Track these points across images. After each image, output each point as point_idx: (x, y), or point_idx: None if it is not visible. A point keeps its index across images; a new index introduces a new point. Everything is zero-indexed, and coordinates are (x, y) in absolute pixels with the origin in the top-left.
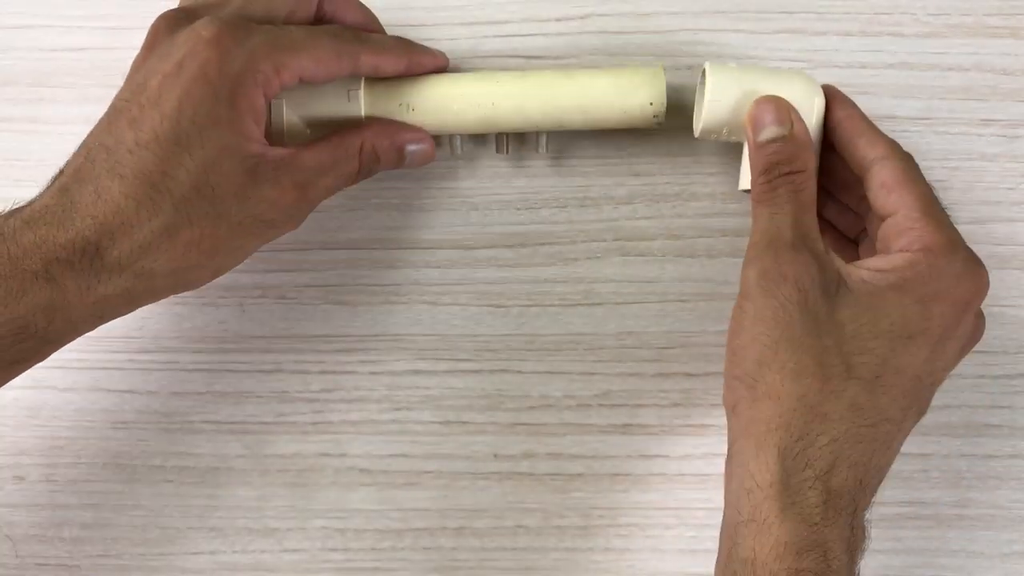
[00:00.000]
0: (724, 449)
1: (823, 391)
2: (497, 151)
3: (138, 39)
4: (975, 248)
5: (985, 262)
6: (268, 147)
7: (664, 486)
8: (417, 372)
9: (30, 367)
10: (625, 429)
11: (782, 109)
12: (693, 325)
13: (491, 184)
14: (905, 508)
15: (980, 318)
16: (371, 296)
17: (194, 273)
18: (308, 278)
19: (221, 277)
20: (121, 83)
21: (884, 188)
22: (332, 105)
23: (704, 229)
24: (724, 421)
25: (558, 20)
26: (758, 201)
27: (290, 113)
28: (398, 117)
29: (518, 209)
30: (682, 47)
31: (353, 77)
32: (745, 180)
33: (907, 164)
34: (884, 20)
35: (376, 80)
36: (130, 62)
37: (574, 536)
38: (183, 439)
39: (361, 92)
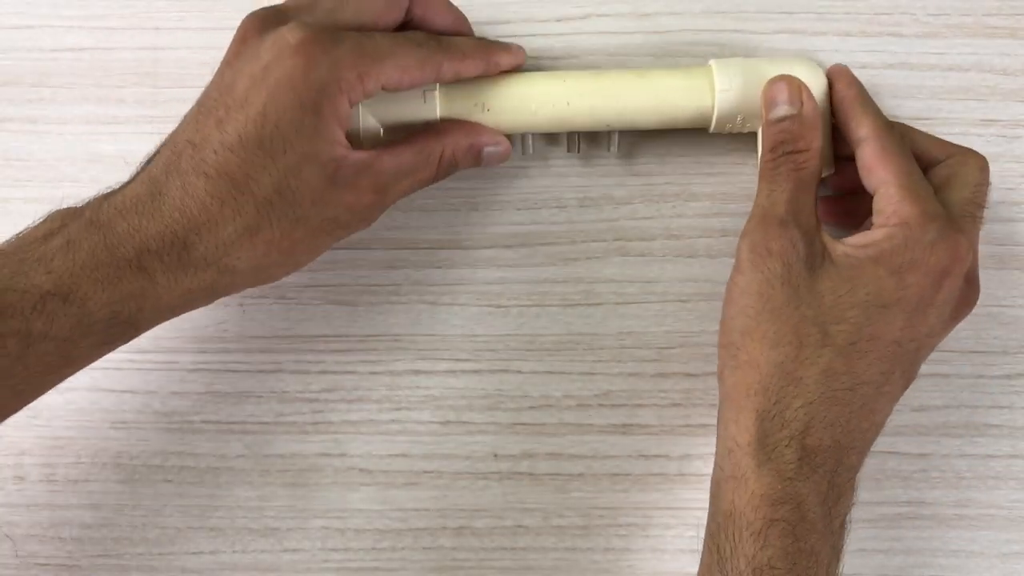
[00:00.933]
0: None
1: (799, 358)
2: (568, 150)
3: (137, 39)
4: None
5: (985, 262)
6: (349, 151)
7: (664, 486)
8: (417, 372)
9: (115, 349)
10: (625, 429)
11: (794, 88)
12: (693, 325)
13: (491, 184)
14: (905, 508)
15: (971, 284)
16: (371, 296)
17: (272, 270)
18: (308, 278)
19: None
20: (121, 83)
21: (866, 169)
22: (408, 107)
23: (704, 229)
24: None
25: (558, 20)
26: (761, 177)
27: (366, 115)
28: (473, 117)
29: (518, 209)
30: (682, 47)
31: None
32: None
33: (886, 142)
34: (884, 20)
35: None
36: (129, 62)
37: (574, 536)
38: (183, 439)
39: (437, 94)
